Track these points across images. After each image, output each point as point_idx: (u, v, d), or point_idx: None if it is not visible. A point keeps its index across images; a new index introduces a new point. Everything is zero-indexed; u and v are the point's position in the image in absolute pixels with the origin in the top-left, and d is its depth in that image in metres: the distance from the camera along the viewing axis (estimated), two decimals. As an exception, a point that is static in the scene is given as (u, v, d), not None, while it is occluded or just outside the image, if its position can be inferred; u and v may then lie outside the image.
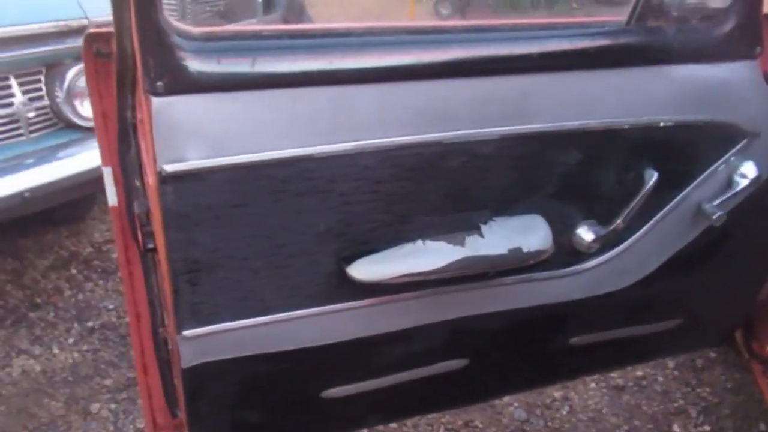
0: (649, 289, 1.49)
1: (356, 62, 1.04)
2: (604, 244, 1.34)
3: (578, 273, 1.38)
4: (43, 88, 2.52)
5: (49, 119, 2.58)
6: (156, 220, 1.05)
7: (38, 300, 2.81)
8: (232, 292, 1.13)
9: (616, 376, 2.52)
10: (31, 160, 2.45)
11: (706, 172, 1.35)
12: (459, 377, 1.48)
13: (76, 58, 2.45)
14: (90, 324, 2.68)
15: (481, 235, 1.20)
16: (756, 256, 1.59)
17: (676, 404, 2.41)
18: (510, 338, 1.47)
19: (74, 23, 2.42)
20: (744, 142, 1.34)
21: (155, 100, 0.94)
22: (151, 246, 1.13)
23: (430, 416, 2.26)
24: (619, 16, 1.23)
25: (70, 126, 2.61)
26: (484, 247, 1.19)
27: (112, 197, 1.25)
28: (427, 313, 1.31)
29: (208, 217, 1.04)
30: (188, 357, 1.17)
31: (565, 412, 2.36)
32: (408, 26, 1.13)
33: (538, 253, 1.22)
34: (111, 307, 2.76)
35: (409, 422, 2.27)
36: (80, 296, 2.85)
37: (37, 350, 2.53)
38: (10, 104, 2.42)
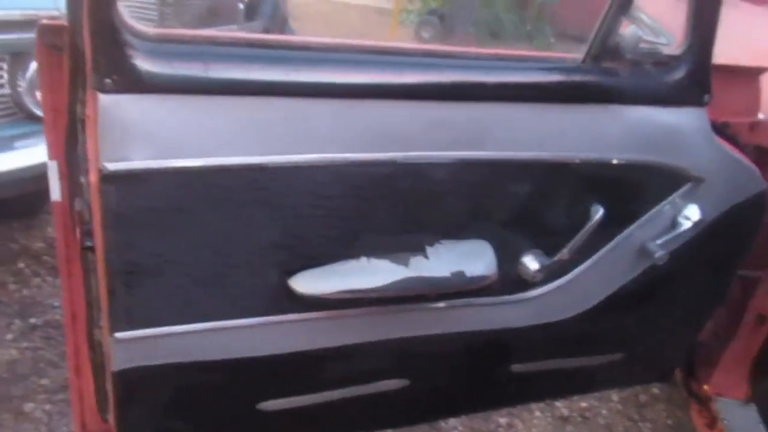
0: (592, 322, 1.51)
1: (312, 77, 1.05)
2: (549, 274, 1.35)
3: (522, 301, 1.39)
4: (6, 76, 2.47)
5: (9, 108, 2.52)
6: (95, 218, 1.03)
7: (-21, 293, 2.72)
8: (170, 298, 1.11)
9: (561, 406, 2.54)
10: (-15, 149, 2.39)
11: (651, 212, 1.39)
12: (400, 397, 1.48)
13: (43, 49, 2.40)
14: (33, 321, 2.60)
15: (426, 257, 1.21)
16: (697, 297, 1.63)
17: (617, 438, 2.44)
18: (452, 361, 1.47)
19: (43, 14, 2.38)
20: (689, 185, 1.38)
21: (102, 98, 0.92)
22: (89, 244, 1.11)
23: (373, 436, 2.25)
24: (578, 54, 1.26)
25: (30, 117, 2.54)
26: (428, 269, 1.20)
27: (55, 192, 1.22)
28: (368, 331, 1.30)
29: (149, 219, 1.03)
30: (119, 360, 1.14)
31: (508, 440, 2.37)
32: (367, 46, 1.14)
33: (482, 278, 1.24)
34: (57, 304, 2.68)
35: (352, 441, 2.24)
36: (25, 291, 2.76)
37: (-28, 344, 2.45)
38: (-30, 89, 2.36)
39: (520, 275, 1.34)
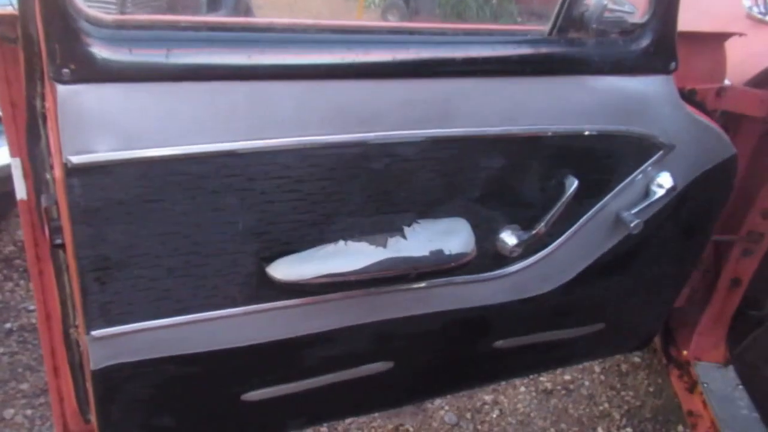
0: (571, 294, 1.52)
1: (276, 58, 1.03)
2: (527, 248, 1.36)
3: (502, 277, 1.40)
4: (-37, 76, 2.39)
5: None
6: (63, 214, 1.00)
7: (-48, 300, 2.66)
8: (145, 292, 1.09)
9: (544, 380, 2.57)
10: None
11: (625, 182, 1.40)
12: (384, 380, 1.48)
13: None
14: (8, 326, 2.55)
15: (404, 237, 1.20)
16: (672, 264, 1.66)
17: (601, 407, 2.49)
18: (435, 341, 1.47)
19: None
20: (660, 153, 1.39)
21: (61, 88, 0.89)
22: (58, 241, 1.08)
23: (360, 420, 2.26)
24: (543, 26, 1.26)
25: (-8, 117, 2.47)
26: (406, 249, 1.19)
27: (20, 191, 1.19)
28: (350, 316, 1.30)
29: (118, 212, 1.00)
30: (98, 358, 1.12)
31: (494, 416, 2.40)
32: (330, 25, 1.12)
33: (460, 255, 1.23)
34: (31, 308, 2.64)
35: (340, 426, 2.25)
36: (-2, 296, 2.71)
37: (-53, 353, 2.39)
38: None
39: (499, 251, 1.35)
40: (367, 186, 1.16)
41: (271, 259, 1.14)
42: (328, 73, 1.07)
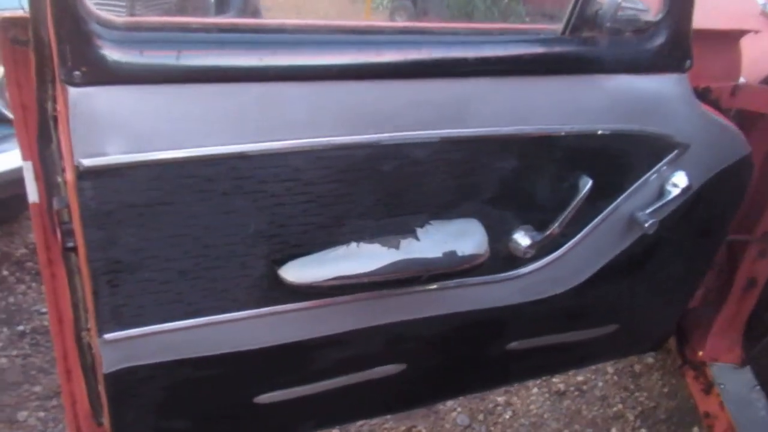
0: (585, 295, 1.51)
1: (288, 60, 1.02)
2: (540, 250, 1.35)
3: (515, 278, 1.38)
4: (-26, 79, 2.41)
5: (-19, 112, 2.46)
6: (75, 217, 1.00)
7: (-35, 303, 2.67)
8: (157, 295, 1.09)
9: (557, 381, 2.55)
10: (-41, 155, 2.33)
11: (639, 181, 1.38)
12: (397, 382, 1.47)
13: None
14: (20, 328, 2.56)
15: (417, 239, 1.19)
16: (687, 264, 1.64)
17: (614, 409, 2.46)
18: (447, 343, 1.46)
19: (7, 13, 2.32)
20: (675, 152, 1.38)
21: (72, 91, 0.89)
22: (70, 244, 1.08)
23: (372, 422, 2.25)
24: (557, 25, 1.24)
25: (3, 120, 2.49)
26: (419, 251, 1.18)
27: (32, 194, 1.19)
28: (362, 318, 1.29)
29: (130, 215, 1.00)
30: (110, 362, 1.12)
31: (507, 417, 2.38)
32: (342, 26, 1.11)
33: (473, 257, 1.22)
34: (43, 311, 2.64)
35: (352, 428, 2.24)
36: (11, 299, 2.72)
37: (-39, 355, 2.41)
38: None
39: (512, 252, 1.33)
40: (379, 187, 1.16)
41: (283, 261, 1.14)
42: (340, 74, 1.06)
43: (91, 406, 1.41)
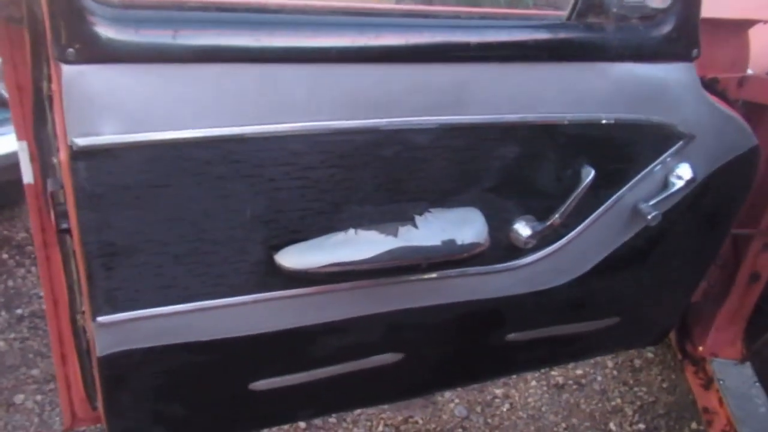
0: (586, 287, 1.49)
1: (286, 41, 1.00)
2: (541, 240, 1.33)
3: (515, 269, 1.37)
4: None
5: (-20, 95, 2.45)
6: (69, 198, 0.99)
7: (-36, 285, 2.67)
8: (151, 278, 1.08)
9: (556, 374, 2.54)
10: (-41, 138, 2.32)
11: (643, 172, 1.36)
12: (394, 371, 1.46)
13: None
14: (19, 312, 2.56)
15: (415, 226, 1.17)
16: (690, 257, 1.62)
17: (613, 403, 2.45)
18: (445, 333, 1.45)
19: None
20: (680, 143, 1.35)
21: (65, 68, 0.88)
22: (64, 226, 1.06)
23: (369, 411, 2.24)
24: (562, 11, 1.22)
25: (4, 104, 2.48)
26: (418, 238, 1.16)
27: (27, 174, 1.18)
28: (360, 306, 1.27)
29: (124, 197, 0.98)
30: (104, 345, 1.11)
31: (505, 410, 2.37)
32: (342, 7, 1.09)
33: (473, 246, 1.20)
34: (42, 294, 2.64)
35: (349, 417, 2.24)
36: (10, 282, 2.72)
37: (-41, 338, 2.41)
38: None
39: (512, 242, 1.32)
40: (378, 174, 1.14)
41: (280, 247, 1.12)
42: (340, 56, 1.04)
43: (86, 390, 1.40)
